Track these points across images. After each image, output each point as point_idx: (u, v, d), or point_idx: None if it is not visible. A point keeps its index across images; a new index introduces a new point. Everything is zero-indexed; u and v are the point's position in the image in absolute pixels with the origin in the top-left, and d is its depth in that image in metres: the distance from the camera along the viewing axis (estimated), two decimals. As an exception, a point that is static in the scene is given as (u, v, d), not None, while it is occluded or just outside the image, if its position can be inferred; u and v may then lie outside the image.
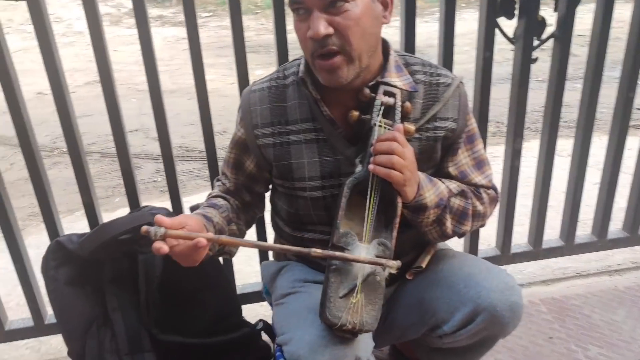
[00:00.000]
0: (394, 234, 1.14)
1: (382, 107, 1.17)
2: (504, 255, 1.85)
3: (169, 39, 7.37)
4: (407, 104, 1.19)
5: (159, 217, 1.00)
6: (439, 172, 1.29)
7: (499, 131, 3.62)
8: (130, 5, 8.74)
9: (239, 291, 1.75)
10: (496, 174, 1.42)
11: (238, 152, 1.31)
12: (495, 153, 2.55)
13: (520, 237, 1.91)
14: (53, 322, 1.65)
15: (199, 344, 1.48)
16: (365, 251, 1.11)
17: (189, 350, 1.48)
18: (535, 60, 1.60)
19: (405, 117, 1.20)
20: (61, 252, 1.45)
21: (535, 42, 1.58)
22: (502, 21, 1.55)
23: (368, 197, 1.13)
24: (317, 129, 1.22)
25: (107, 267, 1.47)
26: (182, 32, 7.92)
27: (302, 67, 1.20)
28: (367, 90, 1.17)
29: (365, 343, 1.16)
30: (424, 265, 1.32)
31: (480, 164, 1.32)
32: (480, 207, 1.28)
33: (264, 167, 1.30)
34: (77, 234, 1.48)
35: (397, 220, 1.14)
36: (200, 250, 1.04)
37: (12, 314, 1.74)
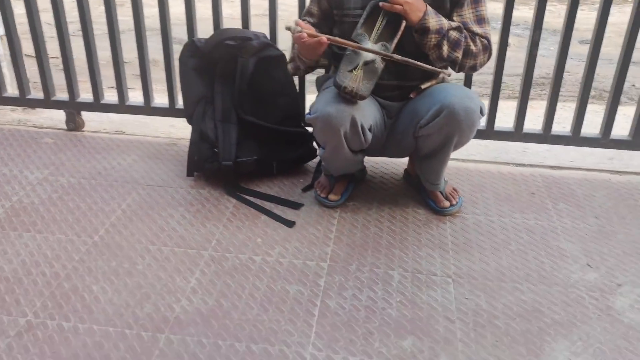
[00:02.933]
0: (395, 41, 1.69)
1: None
2: (517, 133, 2.29)
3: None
4: None
5: (299, 20, 1.65)
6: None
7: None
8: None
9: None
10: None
11: None
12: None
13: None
14: (180, 107, 2.40)
15: (266, 127, 2.15)
16: (371, 47, 1.69)
17: (259, 130, 2.15)
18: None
19: None
20: (193, 46, 2.18)
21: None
22: None
23: (380, 16, 1.70)
24: None
25: (219, 65, 2.16)
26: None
27: None
28: None
29: (362, 113, 1.74)
30: (422, 87, 1.86)
31: (481, 20, 1.81)
32: (472, 47, 1.78)
33: (332, 4, 1.88)
34: (204, 38, 2.20)
35: (399, 34, 1.69)
36: (321, 46, 1.66)
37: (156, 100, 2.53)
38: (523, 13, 6.18)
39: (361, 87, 1.67)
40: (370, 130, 1.80)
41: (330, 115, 1.70)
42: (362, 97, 1.69)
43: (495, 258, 1.80)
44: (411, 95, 1.88)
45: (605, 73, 4.05)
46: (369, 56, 1.68)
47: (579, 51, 4.76)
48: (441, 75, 1.72)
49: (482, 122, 2.29)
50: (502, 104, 2.33)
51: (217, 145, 2.11)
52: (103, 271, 1.69)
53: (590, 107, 2.32)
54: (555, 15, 6.08)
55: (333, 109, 1.70)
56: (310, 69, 1.95)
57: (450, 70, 1.85)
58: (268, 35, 2.22)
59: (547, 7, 2.07)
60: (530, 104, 2.29)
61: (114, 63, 2.40)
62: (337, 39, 1.67)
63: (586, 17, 2.31)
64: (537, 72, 2.29)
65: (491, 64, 2.05)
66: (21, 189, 2.09)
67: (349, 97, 1.69)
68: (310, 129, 2.21)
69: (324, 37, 1.65)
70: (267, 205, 2.03)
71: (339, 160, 1.90)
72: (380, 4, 1.68)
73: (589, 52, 2.14)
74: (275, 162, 2.16)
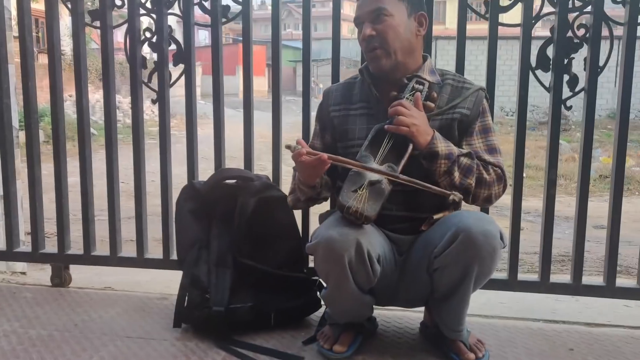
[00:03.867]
0: (402, 163, 1.59)
1: (413, 90, 1.69)
2: (543, 283, 2.06)
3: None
4: (434, 93, 1.70)
5: (300, 139, 1.60)
6: None
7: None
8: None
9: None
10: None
11: (320, 125, 1.87)
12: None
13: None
14: (175, 258, 2.22)
15: (265, 271, 1.95)
16: (376, 167, 1.57)
17: (257, 274, 1.95)
18: (570, 107, 1.99)
19: (430, 101, 1.70)
20: (191, 189, 2.09)
21: (570, 93, 1.99)
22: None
23: (386, 138, 1.62)
24: (369, 107, 1.77)
25: (218, 207, 2.05)
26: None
27: (364, 66, 1.79)
28: (404, 79, 1.71)
29: (367, 239, 1.56)
30: (435, 217, 1.69)
31: (492, 150, 1.73)
32: (485, 176, 1.66)
33: (335, 138, 1.83)
34: (204, 180, 2.11)
35: (406, 156, 1.59)
36: (321, 165, 1.56)
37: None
38: (532, 203, 6.26)
39: (367, 208, 1.52)
40: (378, 261, 1.60)
41: (332, 240, 1.53)
42: (368, 219, 1.53)
43: (539, 417, 1.46)
44: (422, 228, 1.71)
45: (627, 253, 3.90)
46: (375, 176, 1.56)
47: (594, 234, 4.67)
48: (451, 198, 1.56)
49: (504, 274, 2.09)
50: (521, 276, 2.13)
51: (209, 292, 1.89)
52: None
53: (618, 280, 2.10)
54: (565, 205, 6.12)
55: (336, 233, 1.53)
56: (311, 201, 1.82)
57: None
58: (270, 178, 2.13)
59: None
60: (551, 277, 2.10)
61: (109, 215, 2.29)
62: (340, 157, 1.57)
63: (597, 206, 2.33)
64: (554, 251, 2.17)
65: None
66: (-17, 341, 1.84)
67: (353, 219, 1.53)
68: (315, 278, 2.01)
69: (325, 155, 1.55)
70: (262, 358, 1.74)
71: (344, 299, 1.66)
72: (386, 126, 1.61)
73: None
74: (273, 312, 1.92)
